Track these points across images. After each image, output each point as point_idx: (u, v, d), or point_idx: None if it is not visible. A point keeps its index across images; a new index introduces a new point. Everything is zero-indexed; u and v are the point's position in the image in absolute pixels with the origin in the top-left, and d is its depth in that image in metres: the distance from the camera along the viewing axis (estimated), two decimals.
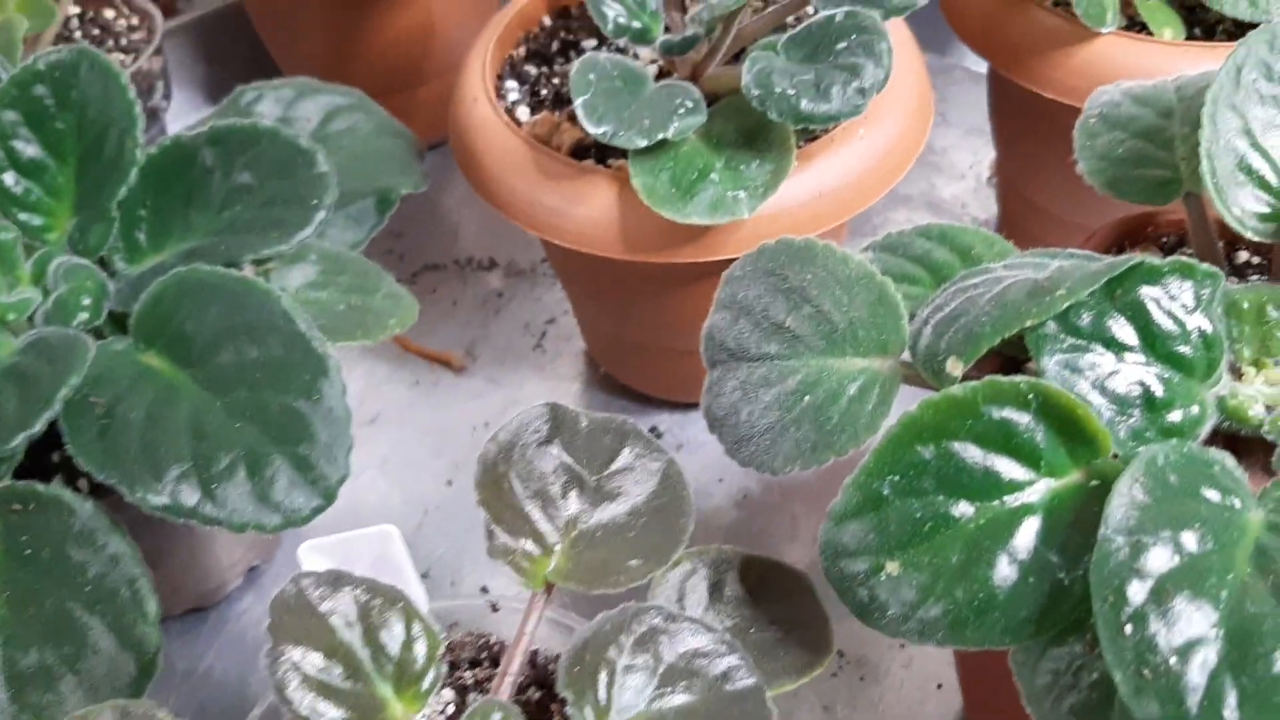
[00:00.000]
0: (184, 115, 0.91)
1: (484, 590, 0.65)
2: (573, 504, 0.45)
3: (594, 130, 0.53)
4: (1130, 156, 0.51)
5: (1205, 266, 0.41)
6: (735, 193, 0.54)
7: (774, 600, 0.46)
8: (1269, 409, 0.42)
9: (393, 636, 0.40)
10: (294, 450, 0.49)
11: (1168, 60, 0.60)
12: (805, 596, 0.46)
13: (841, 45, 0.54)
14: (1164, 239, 0.54)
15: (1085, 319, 0.41)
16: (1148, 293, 0.41)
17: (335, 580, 0.40)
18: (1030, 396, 0.40)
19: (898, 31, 0.62)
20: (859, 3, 0.56)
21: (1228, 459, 0.40)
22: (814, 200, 0.56)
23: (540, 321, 0.80)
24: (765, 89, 0.53)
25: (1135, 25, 0.63)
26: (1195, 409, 0.41)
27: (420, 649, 0.40)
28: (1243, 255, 0.52)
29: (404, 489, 0.71)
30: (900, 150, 0.59)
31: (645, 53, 0.64)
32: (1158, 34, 0.61)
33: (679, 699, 0.40)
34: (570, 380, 0.76)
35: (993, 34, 0.65)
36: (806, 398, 0.46)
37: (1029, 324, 0.41)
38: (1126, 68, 0.60)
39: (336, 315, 0.57)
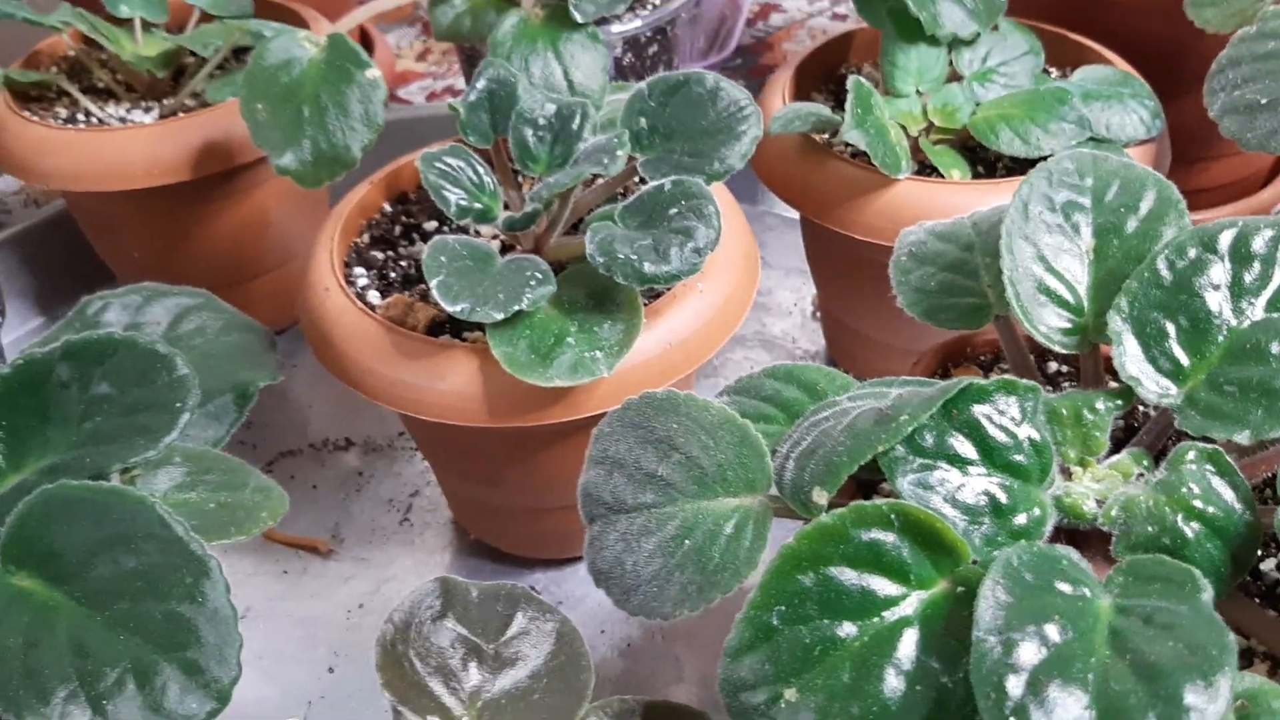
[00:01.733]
0: (18, 327, 0.90)
1: None
2: (474, 675, 0.46)
3: (451, 308, 0.56)
4: (942, 288, 0.56)
5: (1025, 382, 0.46)
6: (593, 353, 0.57)
7: None
8: (1099, 502, 0.47)
9: None
10: (182, 656, 0.48)
11: (959, 197, 0.67)
12: None
13: (673, 211, 0.58)
14: (982, 357, 0.59)
15: (929, 440, 0.45)
16: (979, 410, 0.46)
17: None
18: (892, 517, 0.43)
19: (719, 192, 0.68)
20: (683, 171, 0.61)
21: (1072, 553, 0.44)
22: (665, 353, 0.60)
23: (404, 495, 0.80)
24: (609, 256, 0.56)
25: (926, 169, 0.71)
26: (1037, 511, 0.46)
27: None
28: (1053, 365, 0.58)
29: (283, 683, 0.69)
30: (737, 299, 0.63)
31: (486, 230, 0.68)
32: (947, 175, 0.68)
33: None
34: (440, 551, 0.76)
35: (801, 187, 0.71)
36: (687, 541, 0.48)
37: (880, 449, 0.45)
38: (924, 207, 0.67)
39: (207, 514, 0.57)
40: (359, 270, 0.68)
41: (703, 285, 0.62)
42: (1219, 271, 0.49)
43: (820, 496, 0.45)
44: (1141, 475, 0.48)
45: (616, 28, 0.82)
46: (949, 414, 0.46)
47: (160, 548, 0.50)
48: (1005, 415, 0.46)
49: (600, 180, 0.65)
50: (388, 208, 0.72)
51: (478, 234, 0.67)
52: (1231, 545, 0.45)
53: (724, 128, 0.62)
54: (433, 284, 0.57)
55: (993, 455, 0.46)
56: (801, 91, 0.79)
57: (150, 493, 0.56)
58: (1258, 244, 0.49)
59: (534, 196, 0.61)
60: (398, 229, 0.71)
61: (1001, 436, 0.46)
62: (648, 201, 0.59)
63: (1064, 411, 0.49)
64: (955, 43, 0.73)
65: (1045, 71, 0.77)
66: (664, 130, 0.63)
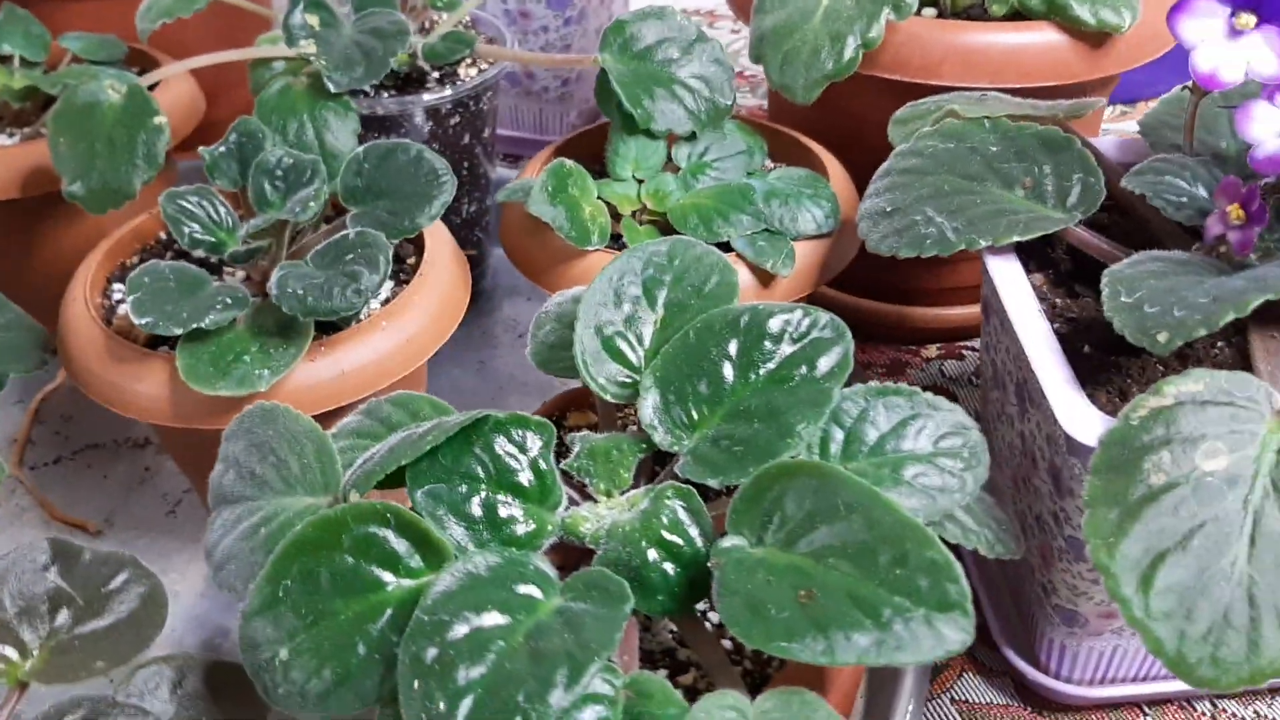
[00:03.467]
0: None
1: None
2: (60, 619, 0.55)
3: (139, 320, 0.66)
4: (558, 342, 0.66)
5: (538, 419, 0.55)
6: (260, 370, 0.67)
7: (227, 696, 0.56)
8: (599, 525, 0.56)
9: None
10: None
11: None
12: (251, 691, 0.56)
13: (350, 256, 0.68)
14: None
15: (447, 459, 0.54)
16: (496, 439, 0.55)
17: None
18: (387, 515, 0.52)
19: (439, 244, 0.78)
20: (380, 226, 0.71)
21: (544, 562, 0.53)
22: (337, 378, 0.69)
23: (178, 492, 0.90)
24: (281, 289, 0.66)
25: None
26: (533, 525, 0.54)
27: None
28: None
29: None
30: (421, 340, 0.73)
31: (240, 271, 0.78)
32: None
33: None
34: (196, 542, 0.86)
35: (523, 253, 0.81)
36: (263, 530, 0.58)
37: (405, 463, 0.54)
38: None
39: None
40: (118, 286, 0.78)
41: (386, 323, 0.71)
42: (734, 345, 0.58)
43: (354, 497, 0.54)
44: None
45: (427, 96, 0.92)
46: (469, 439, 0.55)
47: None
48: (516, 445, 0.55)
49: (327, 226, 0.75)
50: (163, 235, 0.83)
51: (219, 267, 0.78)
52: (689, 570, 0.53)
53: (421, 191, 0.72)
54: (129, 300, 0.67)
55: (500, 477, 0.55)
56: None
57: None
58: (772, 325, 0.58)
59: (247, 235, 0.71)
60: (169, 255, 0.81)
61: (511, 462, 0.55)
62: (334, 247, 0.69)
63: (598, 450, 0.58)
64: (679, 138, 0.83)
65: (768, 167, 0.86)
66: (374, 189, 0.73)
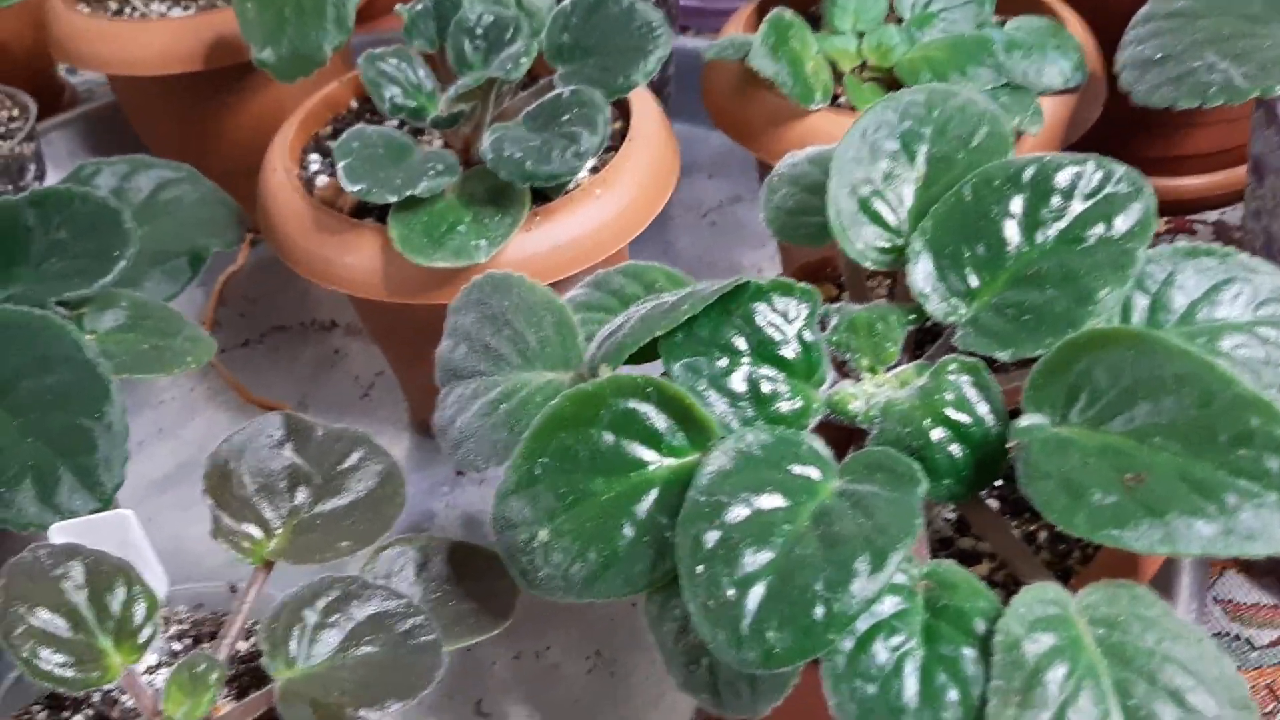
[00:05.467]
0: None
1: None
2: (299, 497, 0.53)
3: (350, 188, 0.62)
4: (797, 207, 0.60)
5: (803, 286, 0.50)
6: (477, 241, 0.63)
7: (473, 578, 0.54)
8: (870, 403, 0.51)
9: (115, 598, 0.47)
10: (76, 460, 0.57)
11: None
12: (498, 574, 0.53)
13: (565, 118, 0.63)
14: (840, 276, 0.63)
15: (705, 330, 0.50)
16: (756, 308, 0.50)
17: (69, 552, 0.48)
18: (649, 390, 0.48)
19: (646, 105, 0.72)
20: (591, 84, 0.66)
21: (817, 441, 0.48)
22: (552, 251, 0.65)
23: (370, 374, 0.88)
24: (498, 154, 0.62)
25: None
26: (800, 402, 0.50)
27: (139, 609, 0.47)
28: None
29: None
30: (636, 208, 0.68)
31: (438, 140, 0.74)
32: (861, 109, 0.71)
33: (364, 650, 0.47)
34: (390, 424, 0.84)
35: (732, 114, 0.75)
36: (502, 406, 0.54)
37: (659, 334, 0.49)
38: (834, 137, 0.70)
39: (140, 353, 0.65)
40: (314, 156, 0.75)
41: (600, 191, 0.67)
42: (1018, 202, 0.52)
43: (605, 371, 0.50)
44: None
45: None
46: (728, 309, 0.50)
47: (74, 369, 0.59)
48: (779, 314, 0.50)
49: (531, 88, 0.70)
50: (354, 104, 0.79)
51: (418, 133, 0.74)
52: (978, 452, 0.48)
53: (635, 46, 0.67)
54: (339, 166, 0.63)
55: (763, 349, 0.50)
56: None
57: (92, 329, 0.64)
58: (1060, 179, 0.52)
59: (452, 97, 0.67)
60: (360, 124, 0.77)
61: (773, 333, 0.50)
62: (547, 108, 0.65)
63: (859, 322, 0.53)
64: None
65: (998, 20, 0.78)
66: (583, 45, 0.68)
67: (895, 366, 0.52)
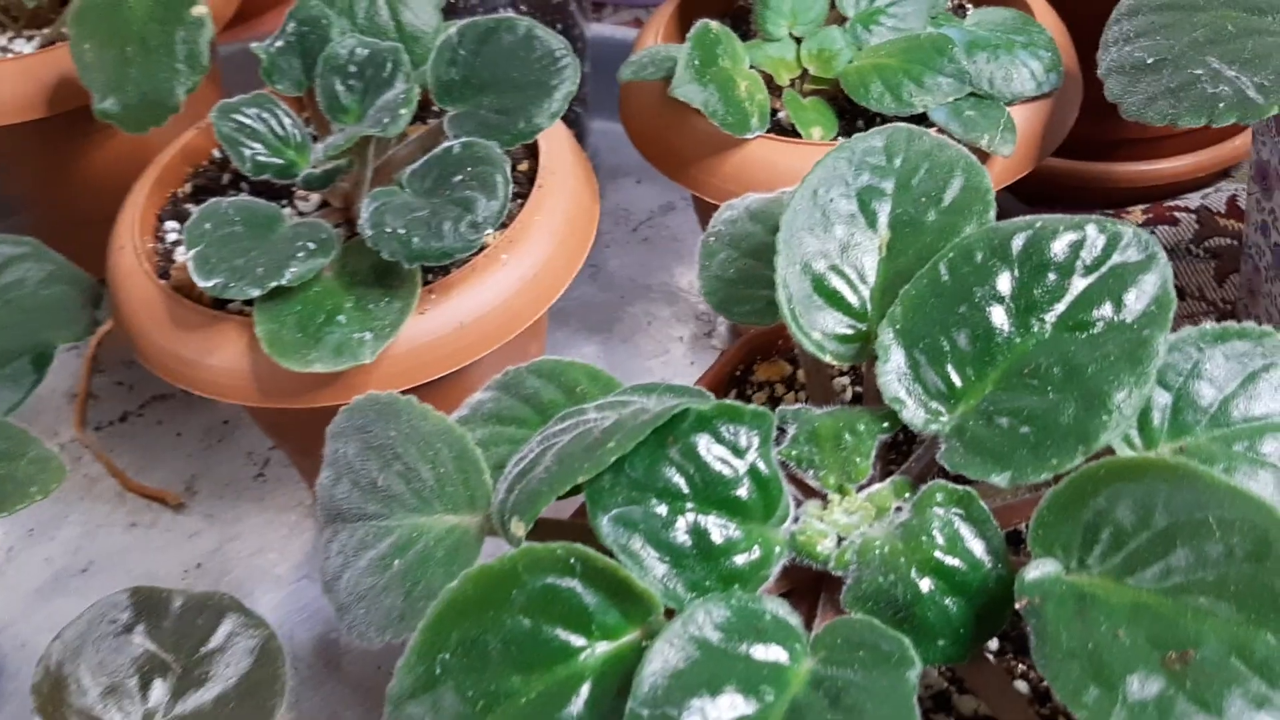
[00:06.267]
0: None
1: None
2: (155, 695, 0.43)
3: (204, 284, 0.52)
4: (739, 277, 0.50)
5: (752, 408, 0.41)
6: (362, 334, 0.53)
7: None
8: (841, 539, 0.42)
9: None
10: None
11: (815, 159, 0.60)
12: None
13: (458, 178, 0.53)
14: (794, 352, 0.54)
15: (638, 470, 0.40)
16: (699, 440, 0.41)
17: None
18: (572, 561, 0.39)
19: (558, 142, 0.62)
20: (488, 130, 0.55)
21: (781, 606, 0.39)
22: (456, 333, 0.55)
23: (264, 448, 0.77)
24: (378, 229, 0.52)
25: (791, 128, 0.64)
26: (758, 551, 0.41)
27: None
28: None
29: None
30: (551, 272, 0.58)
31: (314, 196, 0.63)
32: (806, 134, 0.61)
33: None
34: (291, 510, 0.74)
35: (658, 142, 0.65)
36: (397, 562, 0.45)
37: (582, 480, 0.40)
38: (777, 169, 0.60)
39: None
40: (172, 224, 0.64)
41: (506, 256, 0.57)
42: (1005, 280, 0.43)
43: (518, 528, 0.41)
44: (900, 509, 0.43)
45: None
46: (664, 442, 0.41)
47: None
48: (728, 445, 0.41)
49: (424, 128, 0.60)
50: (217, 154, 0.68)
51: (288, 191, 0.63)
52: (976, 603, 0.40)
53: (536, 81, 0.56)
54: (190, 255, 0.53)
55: (710, 490, 0.40)
56: (686, 30, 0.71)
57: None
58: (1055, 249, 0.43)
59: (324, 154, 0.56)
60: (226, 177, 0.66)
61: (721, 468, 0.41)
62: (434, 165, 0.54)
63: (823, 432, 0.44)
64: None
65: (956, 10, 0.69)
66: (475, 81, 0.58)
67: (867, 485, 0.43)
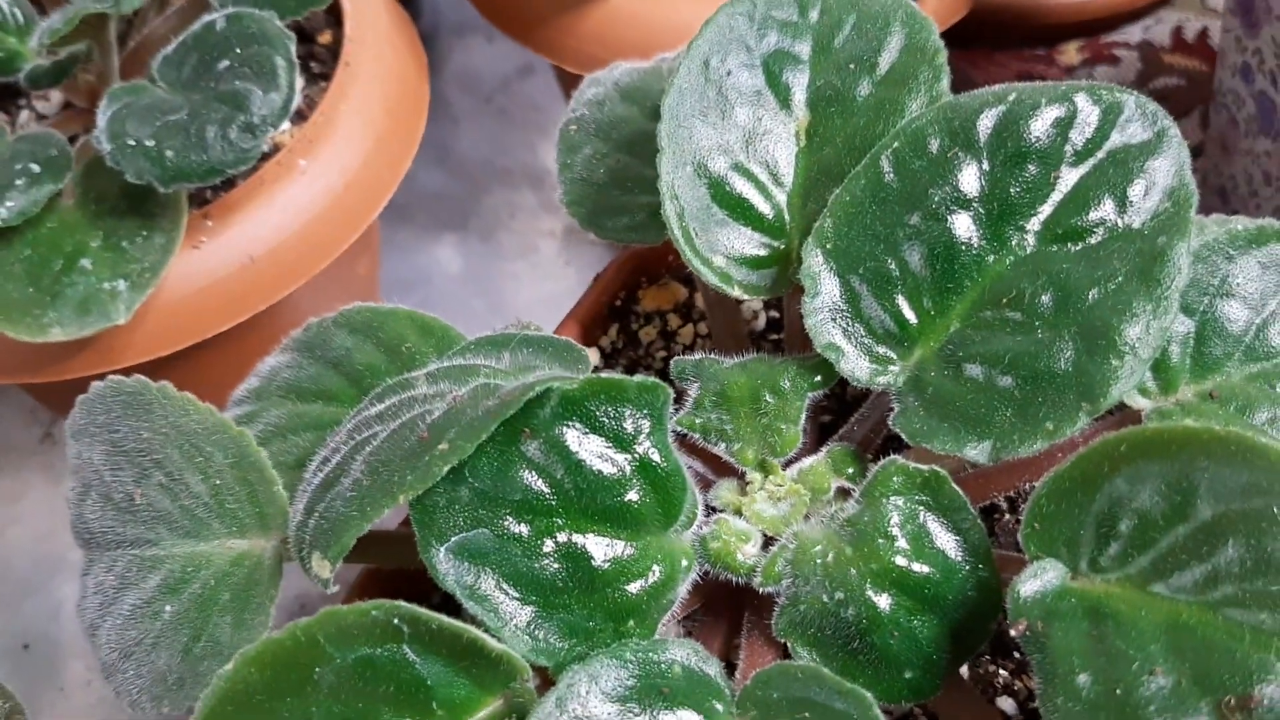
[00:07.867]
0: None
1: None
2: None
3: None
4: (613, 179, 0.38)
5: (638, 380, 0.29)
6: (114, 283, 0.39)
7: None
8: (769, 541, 0.31)
9: None
10: None
11: (703, 14, 0.47)
12: None
13: (224, 65, 0.39)
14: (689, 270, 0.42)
15: (485, 478, 0.29)
16: (566, 432, 0.29)
17: None
18: (395, 624, 0.27)
19: (366, 5, 0.48)
20: (252, 2, 0.41)
21: (692, 653, 0.29)
22: (245, 271, 0.42)
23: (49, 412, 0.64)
24: (118, 142, 0.38)
25: None
26: (658, 571, 0.30)
27: None
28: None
29: None
30: (373, 172, 0.45)
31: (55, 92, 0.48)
32: None
33: None
34: None
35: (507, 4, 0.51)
36: (168, 608, 0.33)
37: (404, 500, 0.28)
38: (652, 27, 0.48)
39: None
40: None
41: (305, 161, 0.43)
42: (972, 176, 0.31)
43: (323, 568, 0.29)
44: (845, 490, 0.32)
45: None
46: (517, 436, 0.29)
47: None
48: (608, 435, 0.29)
49: (173, 7, 0.45)
50: None
51: (18, 92, 0.48)
52: (952, 619, 0.30)
53: None
54: None
55: (587, 497, 0.29)
56: None
57: None
58: (1036, 130, 0.31)
59: (43, 39, 0.41)
60: None
61: (601, 467, 0.29)
62: (192, 48, 0.40)
63: (735, 393, 0.33)
64: None
65: None
66: None
67: (796, 459, 0.33)
